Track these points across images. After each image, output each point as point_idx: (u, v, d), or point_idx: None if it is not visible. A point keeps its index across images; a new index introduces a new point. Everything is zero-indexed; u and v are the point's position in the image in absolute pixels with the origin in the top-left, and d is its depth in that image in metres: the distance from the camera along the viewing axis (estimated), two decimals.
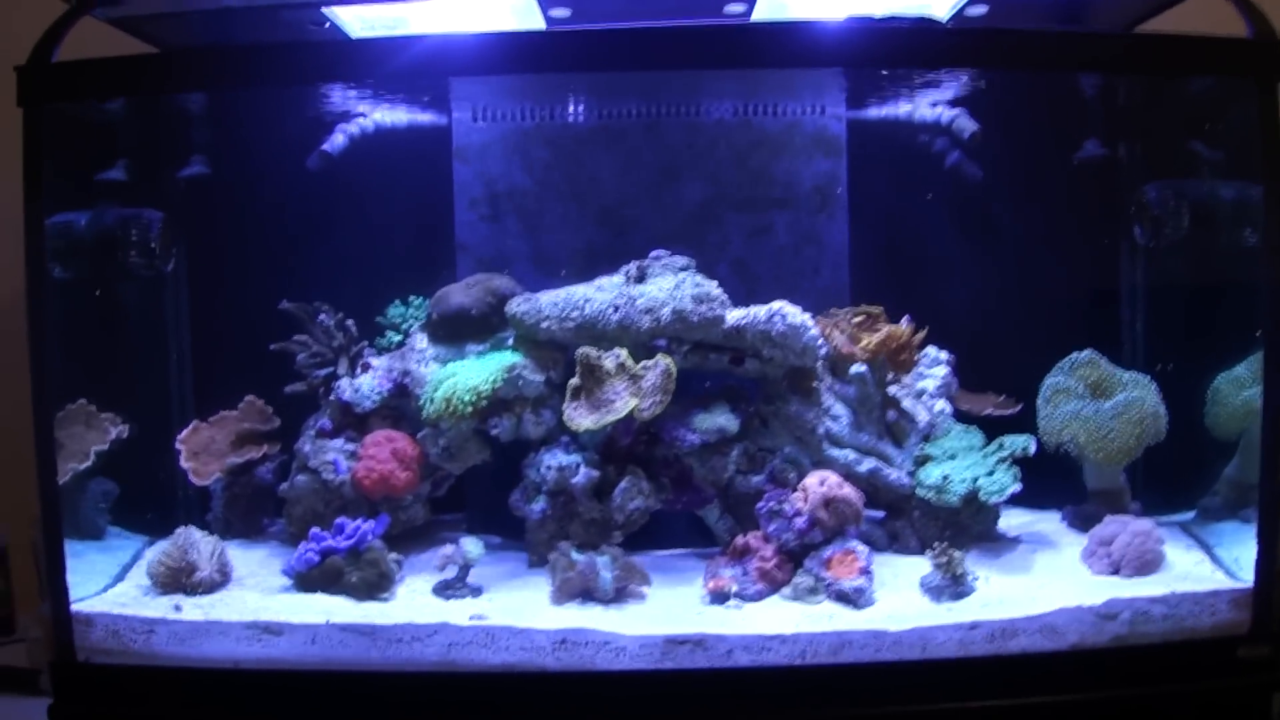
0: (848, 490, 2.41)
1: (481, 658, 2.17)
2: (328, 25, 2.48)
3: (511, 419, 2.53)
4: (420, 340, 2.71)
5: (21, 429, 2.23)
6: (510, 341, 2.63)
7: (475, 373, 2.51)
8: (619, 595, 2.32)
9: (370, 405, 2.66)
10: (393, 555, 2.43)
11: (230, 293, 2.90)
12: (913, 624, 2.17)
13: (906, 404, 2.69)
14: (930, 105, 2.75)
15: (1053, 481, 2.65)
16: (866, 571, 2.31)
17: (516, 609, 2.29)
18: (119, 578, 2.49)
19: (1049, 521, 2.75)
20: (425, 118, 2.82)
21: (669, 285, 2.53)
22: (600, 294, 2.55)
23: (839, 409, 2.63)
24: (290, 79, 2.38)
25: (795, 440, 2.59)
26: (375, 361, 2.72)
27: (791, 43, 2.24)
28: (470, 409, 2.47)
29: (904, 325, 2.65)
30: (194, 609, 2.29)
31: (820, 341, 2.58)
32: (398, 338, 2.79)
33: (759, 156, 2.77)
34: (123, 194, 2.73)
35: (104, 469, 2.69)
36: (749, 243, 2.78)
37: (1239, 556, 2.34)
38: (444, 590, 2.38)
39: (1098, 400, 2.62)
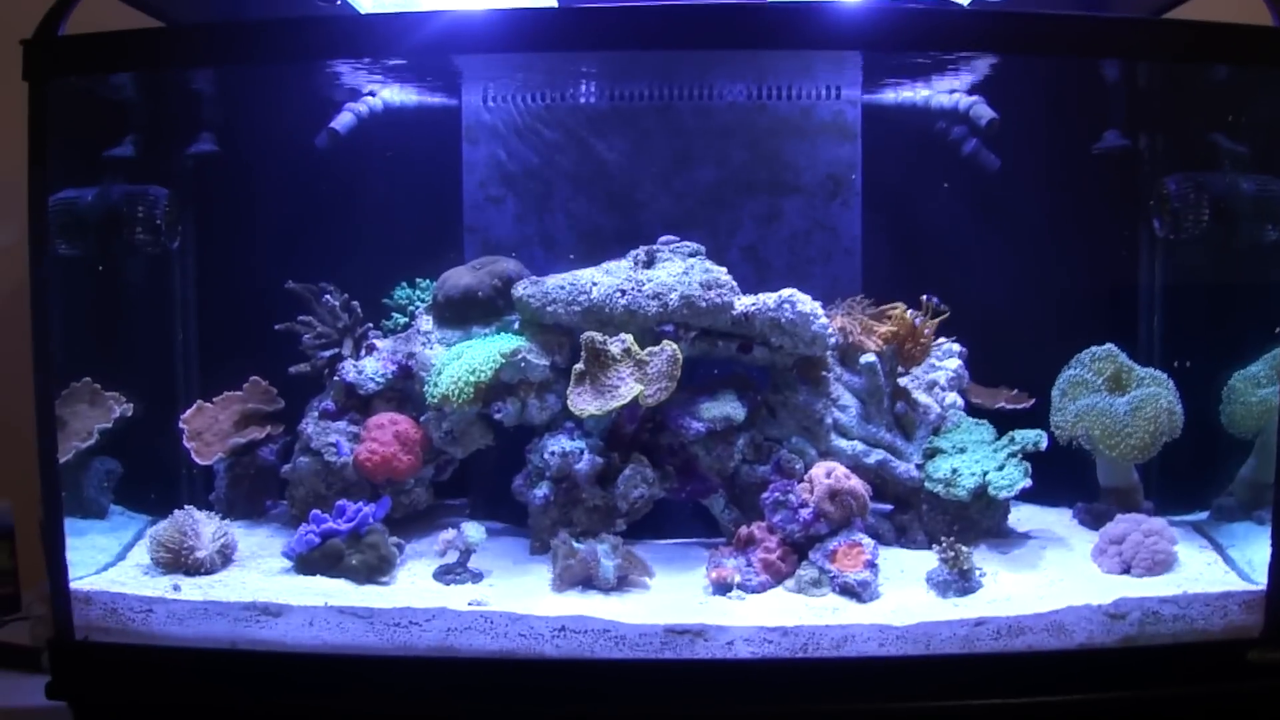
0: (854, 482, 2.38)
1: (480, 643, 2.15)
2: (339, 2, 2.45)
3: (516, 403, 2.50)
4: (425, 322, 2.69)
5: (29, 407, 2.21)
6: (516, 325, 2.61)
7: (479, 355, 2.49)
8: (620, 584, 2.30)
9: (374, 387, 2.64)
10: (393, 539, 2.42)
11: (236, 272, 2.88)
12: (918, 619, 2.14)
13: (917, 396, 2.65)
14: (948, 91, 2.70)
15: (1065, 478, 2.62)
16: (872, 565, 2.28)
17: (517, 595, 2.27)
18: (120, 556, 2.48)
19: (1060, 518, 2.72)
20: (435, 98, 2.80)
21: (677, 271, 2.50)
22: (608, 278, 2.52)
23: (848, 399, 2.60)
24: (299, 55, 2.36)
25: (802, 430, 2.55)
26: (380, 343, 2.71)
27: (809, 24, 2.20)
28: (473, 391, 2.45)
29: (918, 312, 2.61)
30: (193, 589, 2.27)
31: (830, 330, 2.54)
32: (403, 320, 2.77)
33: (772, 141, 2.74)
34: (129, 170, 2.72)
35: (108, 448, 2.69)
36: (761, 229, 2.75)
37: (1253, 558, 2.30)
38: (444, 575, 2.36)
39: (1114, 395, 2.58)
